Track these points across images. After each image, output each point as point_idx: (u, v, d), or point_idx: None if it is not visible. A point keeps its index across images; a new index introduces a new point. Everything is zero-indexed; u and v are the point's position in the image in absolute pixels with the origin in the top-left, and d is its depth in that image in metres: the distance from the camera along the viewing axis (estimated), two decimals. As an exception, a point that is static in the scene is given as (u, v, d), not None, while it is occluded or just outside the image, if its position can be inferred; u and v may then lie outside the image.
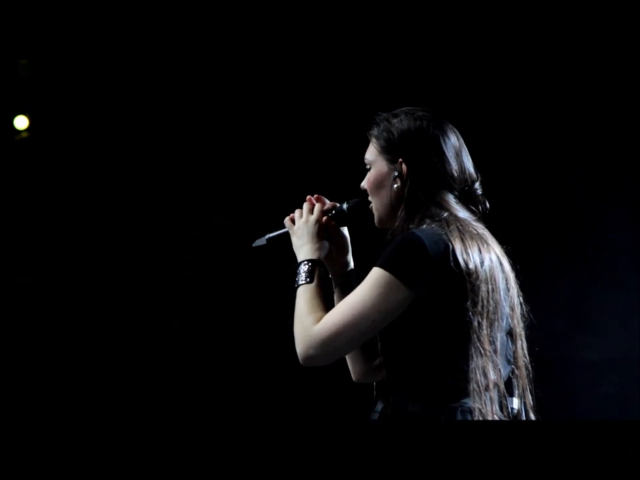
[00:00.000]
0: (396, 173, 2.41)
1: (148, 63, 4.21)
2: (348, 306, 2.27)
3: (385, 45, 4.15)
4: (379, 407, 2.32)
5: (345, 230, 2.54)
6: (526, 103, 4.16)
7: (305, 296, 2.36)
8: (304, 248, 2.44)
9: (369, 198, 2.46)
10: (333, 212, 2.50)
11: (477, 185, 2.46)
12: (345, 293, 2.45)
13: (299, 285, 2.38)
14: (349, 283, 2.52)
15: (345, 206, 2.50)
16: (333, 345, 2.27)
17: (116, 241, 4.23)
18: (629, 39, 4.09)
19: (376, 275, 2.27)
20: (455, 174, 2.42)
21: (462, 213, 2.39)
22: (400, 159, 2.41)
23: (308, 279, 2.38)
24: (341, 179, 3.05)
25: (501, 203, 4.11)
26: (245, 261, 4.02)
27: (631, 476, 1.62)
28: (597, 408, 3.97)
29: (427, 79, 4.13)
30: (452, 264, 2.26)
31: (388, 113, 2.48)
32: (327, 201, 2.52)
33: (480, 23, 4.15)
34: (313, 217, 2.46)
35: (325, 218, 2.48)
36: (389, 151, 2.43)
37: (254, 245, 2.53)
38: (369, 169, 2.46)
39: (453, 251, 2.27)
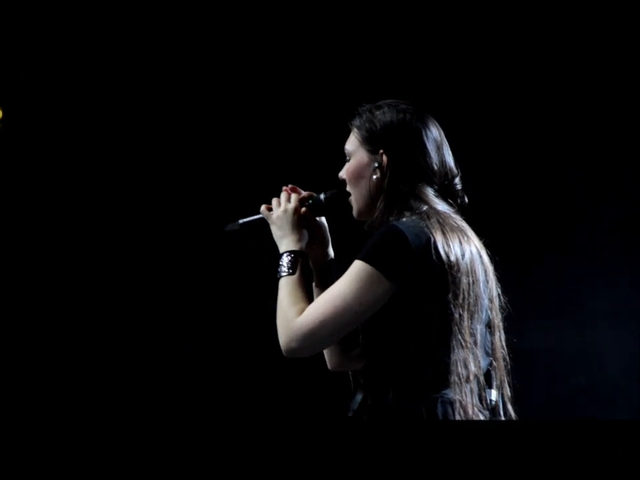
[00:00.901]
0: (376, 164, 2.41)
1: (129, 52, 4.20)
2: (330, 298, 2.28)
3: (375, 40, 4.15)
4: (358, 397, 2.33)
5: (324, 220, 2.54)
6: (526, 102, 4.16)
7: (287, 288, 2.36)
8: (285, 239, 2.43)
9: (348, 188, 2.46)
10: (310, 202, 2.49)
11: (457, 180, 2.46)
12: (324, 283, 2.47)
13: (281, 277, 2.38)
14: (329, 273, 2.52)
15: (322, 196, 2.49)
16: (315, 337, 2.28)
17: (103, 236, 4.23)
18: (628, 39, 4.09)
19: (358, 267, 2.27)
20: (435, 167, 2.42)
21: (441, 205, 2.40)
22: (381, 150, 2.41)
23: (290, 270, 2.38)
24: (318, 168, 3.04)
25: (500, 202, 4.14)
26: (218, 248, 4.03)
27: (624, 476, 1.63)
28: (570, 399, 3.98)
29: (426, 78, 4.13)
30: (433, 257, 2.27)
31: (371, 105, 2.48)
32: (302, 192, 2.51)
33: (480, 23, 4.15)
34: (292, 206, 2.46)
35: (303, 208, 2.48)
36: (370, 142, 2.43)
37: (226, 228, 2.51)
38: (349, 160, 2.47)
39: (435, 243, 2.28)
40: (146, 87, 4.23)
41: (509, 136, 4.17)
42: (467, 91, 4.15)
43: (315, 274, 2.53)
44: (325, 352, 2.55)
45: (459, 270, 2.29)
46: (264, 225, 2.49)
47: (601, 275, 4.11)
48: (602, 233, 4.12)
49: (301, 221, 2.46)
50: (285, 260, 2.40)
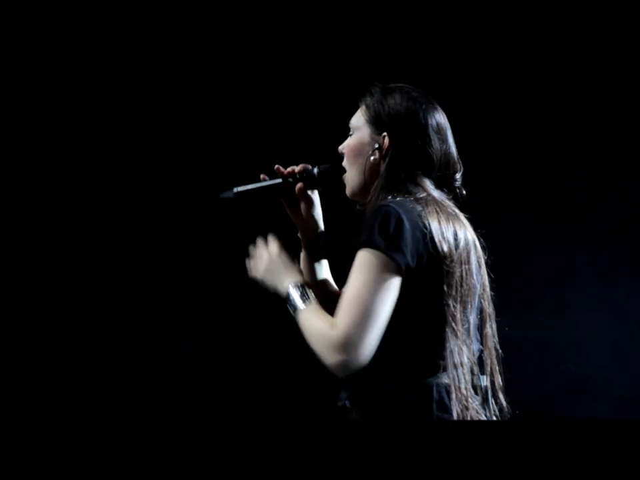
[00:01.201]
0: (377, 145, 2.41)
1: (127, 50, 4.21)
2: (353, 296, 2.20)
3: (377, 30, 4.15)
4: (350, 388, 2.31)
5: (315, 193, 2.52)
6: (526, 102, 4.16)
7: (310, 316, 2.29)
8: (284, 280, 2.37)
9: (344, 163, 2.45)
10: (304, 175, 2.47)
11: (458, 175, 2.46)
12: (313, 254, 2.47)
13: (300, 310, 2.31)
14: (318, 245, 2.50)
15: (315, 170, 2.47)
16: (358, 340, 2.18)
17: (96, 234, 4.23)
18: (628, 39, 4.09)
19: (366, 256, 2.23)
20: (436, 159, 2.42)
21: (437, 193, 2.40)
22: (384, 133, 2.41)
23: (305, 301, 2.32)
24: (316, 139, 3.03)
25: (501, 202, 4.14)
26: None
27: (624, 476, 1.63)
28: (560, 388, 3.99)
29: (426, 77, 4.12)
30: (429, 247, 2.27)
31: (384, 85, 2.48)
32: (295, 168, 2.48)
33: (480, 22, 4.15)
34: (273, 250, 2.42)
35: (299, 184, 2.45)
36: (376, 123, 2.43)
37: (222, 195, 2.46)
38: (352, 135, 2.46)
39: (430, 233, 2.28)
40: (143, 78, 4.23)
41: (509, 136, 4.17)
42: (468, 90, 4.15)
43: (304, 245, 2.51)
44: None
45: (452, 260, 2.29)
46: (259, 195, 2.45)
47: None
48: (602, 233, 4.13)
49: (287, 256, 2.41)
50: (295, 294, 2.34)
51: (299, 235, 2.52)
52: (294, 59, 4.20)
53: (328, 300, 2.43)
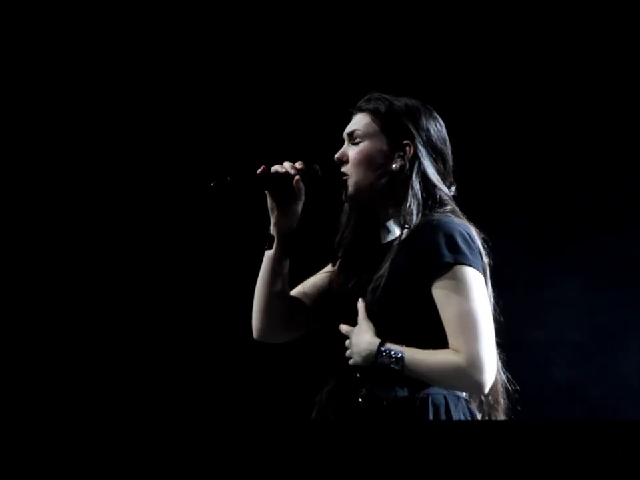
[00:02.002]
0: (401, 153, 2.40)
1: (126, 50, 4.21)
2: (470, 315, 2.23)
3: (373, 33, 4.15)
4: (363, 389, 2.32)
5: (302, 193, 2.47)
6: (526, 102, 4.15)
7: (421, 356, 2.26)
8: (372, 345, 2.30)
9: (347, 169, 2.43)
10: (305, 170, 2.44)
11: (454, 187, 2.47)
12: (283, 251, 2.44)
13: (406, 356, 2.26)
14: (289, 241, 2.46)
15: (317, 167, 2.45)
16: (491, 358, 2.22)
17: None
18: (629, 39, 4.08)
19: (462, 273, 2.25)
20: (451, 170, 2.46)
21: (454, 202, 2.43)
22: (406, 141, 2.40)
23: (399, 355, 2.26)
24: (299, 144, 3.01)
25: (500, 202, 4.14)
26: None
27: (624, 476, 1.63)
28: (545, 388, 3.99)
29: (426, 76, 4.12)
30: (482, 257, 2.34)
31: (388, 95, 2.48)
32: (279, 167, 2.44)
33: (479, 22, 4.14)
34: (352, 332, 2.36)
35: (297, 177, 2.41)
36: (394, 130, 2.42)
37: (213, 184, 2.39)
38: (357, 142, 2.43)
39: (478, 246, 2.34)
40: (142, 76, 4.23)
41: (509, 136, 4.17)
42: (468, 90, 4.14)
43: (279, 239, 2.47)
44: (256, 320, 2.52)
45: (487, 271, 2.35)
46: (252, 182, 2.42)
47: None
48: (602, 233, 4.12)
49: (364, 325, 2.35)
50: (387, 354, 2.27)
51: (271, 230, 2.48)
52: (281, 60, 4.19)
53: (278, 297, 2.46)
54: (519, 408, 2.41)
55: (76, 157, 4.22)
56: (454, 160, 2.49)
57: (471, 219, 2.47)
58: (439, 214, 2.36)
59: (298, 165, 2.45)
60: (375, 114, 2.44)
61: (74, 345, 4.17)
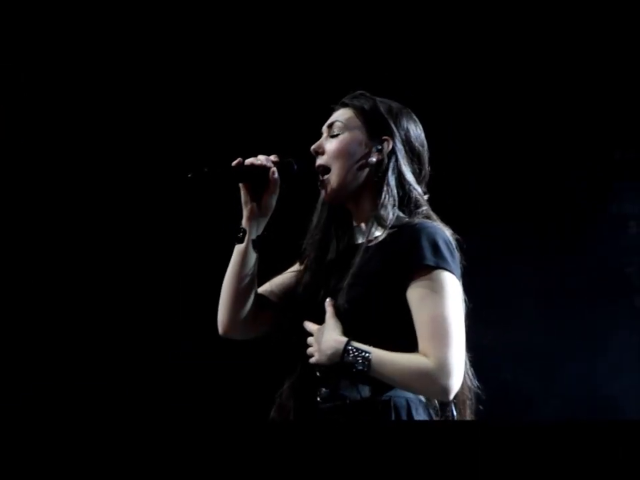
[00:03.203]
0: (379, 147, 2.40)
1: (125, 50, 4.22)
2: (444, 320, 2.22)
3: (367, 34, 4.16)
4: (326, 389, 2.30)
5: (275, 195, 2.44)
6: (526, 103, 4.15)
7: (389, 357, 2.23)
8: (329, 350, 2.28)
9: (326, 162, 2.41)
10: (282, 164, 2.42)
11: (427, 196, 2.46)
12: (254, 245, 2.41)
13: (373, 356, 2.23)
14: (259, 236, 2.43)
15: (294, 163, 2.43)
16: (459, 365, 2.21)
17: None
18: (628, 39, 4.09)
19: (441, 278, 2.25)
20: (426, 171, 2.46)
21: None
22: (385, 137, 2.40)
23: (368, 354, 2.24)
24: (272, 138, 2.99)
25: (500, 202, 4.14)
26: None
27: (624, 476, 1.63)
28: (497, 395, 3.99)
29: (425, 76, 4.13)
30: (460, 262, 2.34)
31: (371, 95, 2.47)
32: (255, 161, 2.41)
33: (479, 21, 4.15)
34: (317, 329, 2.33)
35: (273, 169, 2.38)
36: (374, 126, 2.41)
37: (190, 175, 2.36)
38: (335, 135, 2.42)
39: (456, 251, 2.33)
40: (142, 77, 4.23)
41: (509, 136, 4.17)
42: (468, 91, 4.15)
43: (250, 233, 2.43)
44: (222, 315, 2.49)
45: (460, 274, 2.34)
46: (227, 175, 2.40)
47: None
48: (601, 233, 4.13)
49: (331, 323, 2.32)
50: (353, 354, 2.24)
51: (243, 223, 2.44)
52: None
53: (246, 292, 2.44)
54: (481, 407, 2.40)
55: (75, 157, 4.23)
56: (455, 159, 2.50)
57: (471, 219, 2.47)
58: (418, 217, 2.35)
59: (273, 157, 2.42)
60: (358, 110, 2.43)
61: (74, 345, 4.17)
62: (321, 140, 2.46)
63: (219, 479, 1.76)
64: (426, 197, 2.44)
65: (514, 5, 4.12)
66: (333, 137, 2.43)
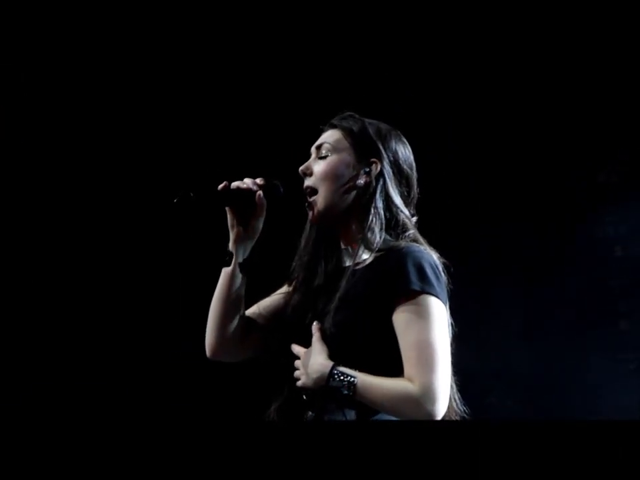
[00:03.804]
0: (367, 169, 2.38)
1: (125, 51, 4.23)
2: (429, 346, 2.20)
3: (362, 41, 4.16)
4: (311, 416, 2.29)
5: (262, 219, 2.43)
6: (526, 103, 4.16)
7: (374, 382, 2.22)
8: (325, 368, 2.26)
9: (313, 183, 2.40)
10: (268, 186, 2.40)
11: (415, 218, 2.45)
12: (242, 268, 2.40)
13: (359, 380, 2.22)
14: (247, 258, 2.43)
15: (279, 186, 2.41)
16: (444, 391, 2.20)
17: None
18: (628, 40, 4.09)
19: (426, 303, 2.24)
20: (414, 194, 2.44)
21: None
22: (373, 159, 2.39)
23: (353, 379, 2.22)
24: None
25: (501, 202, 4.15)
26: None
27: (624, 476, 1.63)
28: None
29: (427, 77, 4.13)
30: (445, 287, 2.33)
31: (360, 116, 2.45)
32: (245, 183, 2.40)
33: (480, 23, 4.15)
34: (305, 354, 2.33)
35: (259, 193, 2.37)
36: (363, 148, 2.40)
37: (176, 200, 2.33)
38: (324, 156, 2.41)
39: (443, 276, 2.32)
40: (141, 77, 4.24)
41: (509, 136, 4.17)
42: (468, 91, 4.15)
43: (237, 256, 2.43)
44: (209, 338, 2.50)
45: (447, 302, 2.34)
46: (213, 199, 2.38)
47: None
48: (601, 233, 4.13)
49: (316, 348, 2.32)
50: (339, 378, 2.23)
51: (230, 246, 2.44)
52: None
53: (233, 315, 2.44)
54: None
55: (75, 156, 4.23)
56: (457, 161, 2.49)
57: (472, 219, 2.46)
58: (405, 240, 2.34)
59: (259, 180, 2.41)
60: (346, 131, 2.43)
61: (74, 345, 4.17)
62: (309, 161, 2.45)
63: (219, 478, 1.76)
64: (414, 219, 2.44)
65: (514, 8, 4.12)
66: (321, 158, 2.43)
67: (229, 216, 2.44)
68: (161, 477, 1.77)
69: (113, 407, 4.08)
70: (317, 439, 1.76)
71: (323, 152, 2.43)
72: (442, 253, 2.37)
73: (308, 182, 2.42)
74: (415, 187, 2.45)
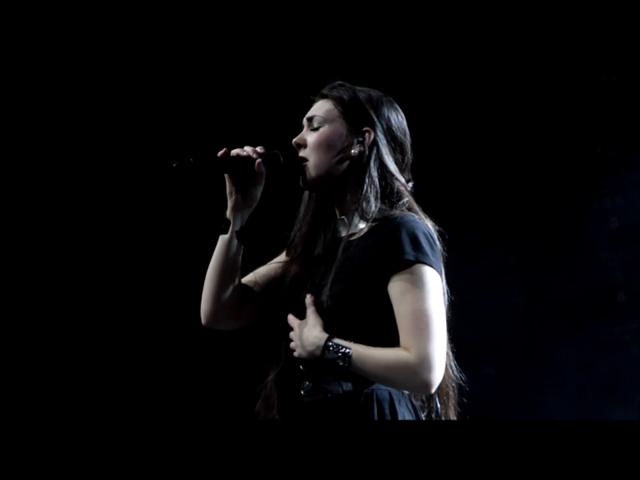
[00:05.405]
0: (360, 139, 2.38)
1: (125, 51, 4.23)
2: (424, 315, 2.22)
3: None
4: (308, 383, 2.31)
5: (260, 189, 2.42)
6: (526, 103, 4.16)
7: (369, 352, 2.23)
8: (310, 347, 2.28)
9: (305, 154, 2.40)
10: (267, 155, 2.40)
11: (411, 183, 2.44)
12: (239, 236, 2.40)
13: (349, 359, 2.23)
14: (245, 226, 2.42)
15: (279, 154, 2.41)
16: (440, 359, 2.21)
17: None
18: (628, 40, 4.09)
19: (426, 273, 2.25)
20: (408, 161, 2.44)
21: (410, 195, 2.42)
22: (366, 128, 2.39)
23: (348, 350, 2.24)
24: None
25: (500, 202, 4.14)
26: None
27: (624, 476, 1.63)
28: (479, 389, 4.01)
29: (427, 78, 4.13)
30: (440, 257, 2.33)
31: (351, 84, 2.44)
32: (244, 151, 2.39)
33: (477, 23, 4.15)
34: (298, 324, 2.34)
35: (259, 160, 2.37)
36: (354, 116, 2.40)
37: (175, 165, 2.32)
38: (316, 128, 2.41)
39: (438, 246, 2.33)
40: (141, 77, 4.24)
41: (509, 137, 4.17)
42: (467, 91, 4.15)
43: (235, 224, 2.42)
44: (205, 305, 2.50)
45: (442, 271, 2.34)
46: (213, 165, 2.37)
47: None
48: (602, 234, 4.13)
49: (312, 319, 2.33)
50: (334, 350, 2.25)
51: (227, 214, 2.42)
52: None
53: (229, 283, 2.43)
54: (464, 400, 2.40)
55: (75, 157, 4.23)
56: (454, 158, 2.48)
57: (472, 218, 2.46)
58: (399, 210, 2.34)
59: (259, 149, 2.40)
60: (337, 101, 2.41)
61: (74, 345, 4.17)
62: (302, 132, 2.44)
63: (211, 476, 1.76)
64: (410, 184, 2.43)
65: (513, 8, 4.12)
66: (313, 130, 2.42)
67: (227, 183, 2.43)
68: (160, 477, 1.77)
69: (112, 407, 4.07)
70: (317, 439, 1.76)
71: (315, 124, 2.42)
72: (438, 220, 2.38)
73: (302, 153, 2.42)
74: (409, 152, 2.44)
